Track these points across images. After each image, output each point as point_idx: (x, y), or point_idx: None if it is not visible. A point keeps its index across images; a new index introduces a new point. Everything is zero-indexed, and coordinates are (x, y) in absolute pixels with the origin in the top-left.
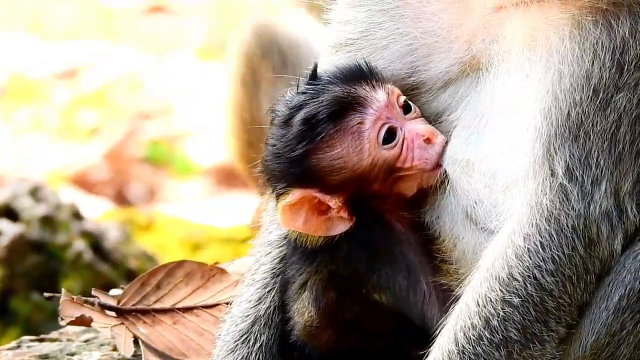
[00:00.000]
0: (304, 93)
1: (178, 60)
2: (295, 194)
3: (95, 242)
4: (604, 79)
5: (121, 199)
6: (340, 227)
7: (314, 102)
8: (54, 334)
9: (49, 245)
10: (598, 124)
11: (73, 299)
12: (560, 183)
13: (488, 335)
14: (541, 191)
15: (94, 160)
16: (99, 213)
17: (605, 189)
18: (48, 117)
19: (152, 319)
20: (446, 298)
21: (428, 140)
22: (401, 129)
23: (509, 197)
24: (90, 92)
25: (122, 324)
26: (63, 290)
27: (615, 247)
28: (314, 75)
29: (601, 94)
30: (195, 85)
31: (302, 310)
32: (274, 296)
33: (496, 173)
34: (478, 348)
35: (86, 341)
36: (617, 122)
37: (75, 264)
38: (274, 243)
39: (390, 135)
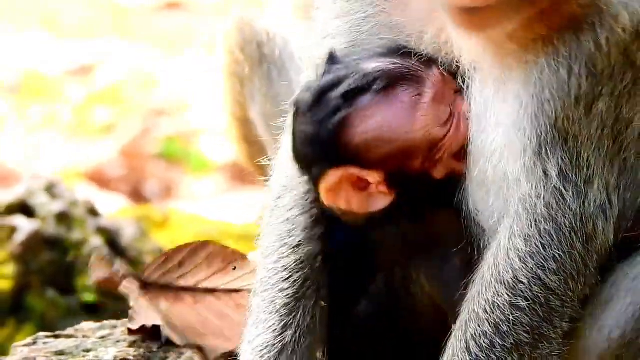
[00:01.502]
0: (332, 72)
1: (192, 57)
2: (335, 174)
3: (111, 239)
4: (583, 88)
5: (137, 196)
6: (382, 202)
7: (353, 76)
8: (69, 331)
9: (65, 242)
10: (585, 128)
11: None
12: (555, 185)
13: (500, 341)
14: (536, 194)
15: (109, 157)
16: (114, 210)
17: (598, 186)
18: (62, 114)
19: (174, 296)
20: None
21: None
22: (453, 107)
23: (502, 197)
24: (104, 89)
25: (146, 295)
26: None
27: (609, 237)
28: (332, 59)
29: (583, 102)
30: (209, 81)
31: (362, 319)
32: (300, 321)
33: (488, 172)
34: (492, 355)
35: (102, 338)
36: (601, 125)
37: (90, 260)
38: (290, 267)
39: (445, 113)
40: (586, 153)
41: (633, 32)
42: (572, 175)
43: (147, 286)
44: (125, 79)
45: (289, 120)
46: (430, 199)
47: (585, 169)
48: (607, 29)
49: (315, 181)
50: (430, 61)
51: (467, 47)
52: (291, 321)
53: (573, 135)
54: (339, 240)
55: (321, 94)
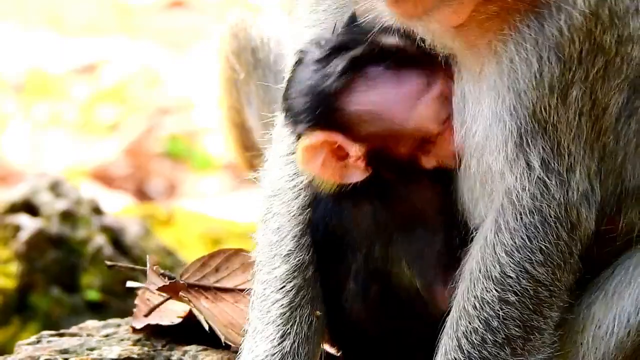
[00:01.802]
0: (349, 33)
1: (197, 56)
2: (318, 136)
3: (115, 237)
4: (555, 75)
5: (141, 194)
6: (356, 176)
7: (369, 44)
8: (73, 329)
9: (69, 240)
10: (562, 116)
11: (153, 269)
12: (539, 176)
13: (491, 337)
14: (521, 186)
15: (114, 155)
16: (119, 208)
17: (580, 173)
18: (67, 112)
19: (214, 295)
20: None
21: None
22: (452, 110)
23: (487, 191)
24: (109, 87)
25: (187, 294)
26: (148, 258)
27: (591, 225)
28: (353, 20)
29: (557, 90)
30: (214, 80)
31: (352, 298)
32: (297, 330)
33: (472, 166)
34: (484, 351)
35: (106, 336)
36: (577, 112)
37: (95, 259)
38: (282, 277)
39: (444, 113)
40: (566, 141)
41: (592, 14)
42: (554, 165)
43: (187, 288)
44: (130, 78)
45: (288, 71)
46: (408, 180)
47: (566, 157)
48: (565, 14)
49: (297, 137)
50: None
51: (432, 37)
52: (289, 330)
53: (552, 124)
54: (320, 221)
55: (334, 50)
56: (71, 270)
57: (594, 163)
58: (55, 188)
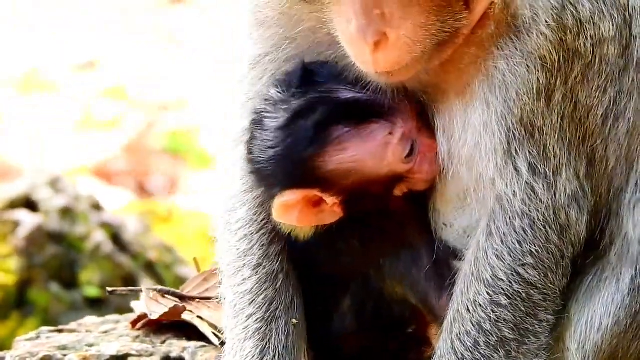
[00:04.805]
0: (304, 93)
1: (197, 52)
2: (294, 194)
3: (115, 234)
4: (542, 82)
5: (141, 191)
6: (331, 218)
7: (328, 104)
8: (72, 325)
9: (68, 236)
10: (547, 119)
11: (150, 295)
12: (527, 181)
13: (484, 339)
14: (511, 191)
15: (114, 152)
16: (119, 205)
17: (567, 175)
18: (68, 109)
19: (215, 305)
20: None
21: (433, 152)
22: (417, 142)
23: (479, 199)
24: (109, 84)
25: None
26: (143, 287)
27: (582, 227)
28: (306, 76)
29: (543, 94)
30: (213, 77)
31: (343, 316)
32: (275, 344)
33: (463, 176)
34: (476, 353)
35: (105, 332)
36: (560, 115)
37: (94, 255)
38: (254, 289)
39: (412, 150)
40: (551, 143)
41: (558, 24)
42: (541, 168)
43: (187, 300)
44: (129, 75)
45: (245, 129)
46: (381, 211)
47: (552, 159)
48: (536, 28)
49: (272, 195)
50: (401, 93)
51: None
52: (267, 345)
53: (539, 128)
54: (303, 253)
55: (296, 116)
56: (70, 266)
57: (582, 165)
58: (54, 184)
